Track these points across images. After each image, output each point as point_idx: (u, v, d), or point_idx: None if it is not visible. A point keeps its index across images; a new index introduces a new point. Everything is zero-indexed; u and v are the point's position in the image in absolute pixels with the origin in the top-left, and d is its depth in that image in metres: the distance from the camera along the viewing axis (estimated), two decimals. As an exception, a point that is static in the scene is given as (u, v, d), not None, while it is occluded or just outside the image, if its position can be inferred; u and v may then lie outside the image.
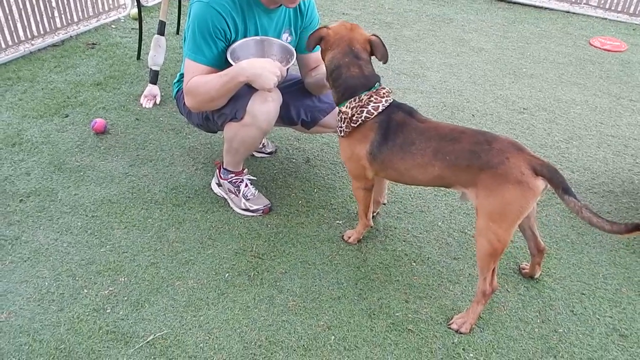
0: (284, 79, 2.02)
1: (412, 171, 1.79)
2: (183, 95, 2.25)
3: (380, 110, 1.80)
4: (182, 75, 2.28)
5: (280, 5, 2.08)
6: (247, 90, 1.99)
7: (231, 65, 1.95)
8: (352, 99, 1.82)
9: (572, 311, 1.91)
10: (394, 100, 1.86)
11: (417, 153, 1.75)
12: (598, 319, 1.89)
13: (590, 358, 1.74)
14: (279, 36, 2.16)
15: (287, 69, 2.03)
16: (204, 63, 1.99)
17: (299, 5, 2.17)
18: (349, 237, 2.16)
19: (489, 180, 1.63)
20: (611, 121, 3.22)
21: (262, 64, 1.89)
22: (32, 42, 3.58)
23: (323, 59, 1.94)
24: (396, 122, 1.79)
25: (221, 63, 2.01)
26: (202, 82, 1.96)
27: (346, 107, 1.83)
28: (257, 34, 2.08)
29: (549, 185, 1.62)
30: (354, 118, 1.81)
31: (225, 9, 1.95)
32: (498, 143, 1.66)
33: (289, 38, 2.20)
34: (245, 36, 2.06)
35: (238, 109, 1.99)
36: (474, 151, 1.66)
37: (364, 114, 1.80)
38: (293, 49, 2.09)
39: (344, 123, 1.85)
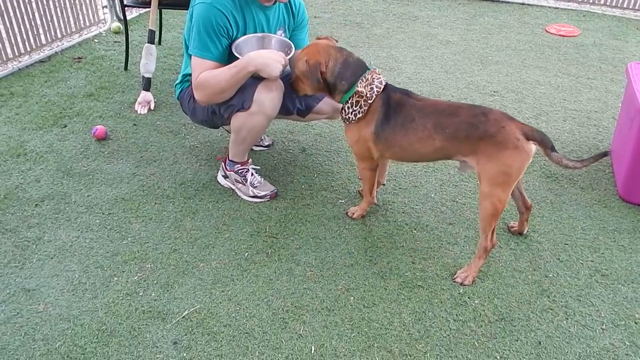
0: (285, 71, 2.20)
1: (415, 145, 1.97)
2: (187, 94, 2.40)
3: (384, 84, 1.99)
4: (184, 76, 2.42)
5: (275, 2, 2.26)
6: (252, 82, 2.16)
7: (236, 60, 2.11)
8: (360, 80, 2.00)
9: (559, 259, 2.15)
10: (388, 83, 2.05)
11: (418, 128, 1.94)
12: (581, 263, 2.13)
13: (579, 295, 1.97)
14: (275, 33, 2.33)
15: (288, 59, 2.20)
16: (210, 59, 2.14)
17: (291, 6, 2.36)
18: (353, 214, 2.34)
19: (488, 147, 1.83)
20: (573, 97, 3.52)
21: (268, 54, 2.07)
22: (20, 59, 3.65)
23: (323, 79, 2.03)
24: (395, 102, 1.99)
25: (225, 59, 2.17)
26: (211, 76, 2.12)
27: (360, 87, 1.99)
28: (255, 31, 2.25)
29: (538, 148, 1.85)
30: (367, 95, 1.99)
31: (227, 8, 2.12)
32: (492, 114, 1.86)
33: (284, 35, 2.38)
34: (245, 33, 2.22)
35: (245, 99, 2.16)
36: (472, 123, 1.86)
37: (375, 90, 1.98)
38: (291, 43, 2.27)
39: (357, 106, 2.01)
